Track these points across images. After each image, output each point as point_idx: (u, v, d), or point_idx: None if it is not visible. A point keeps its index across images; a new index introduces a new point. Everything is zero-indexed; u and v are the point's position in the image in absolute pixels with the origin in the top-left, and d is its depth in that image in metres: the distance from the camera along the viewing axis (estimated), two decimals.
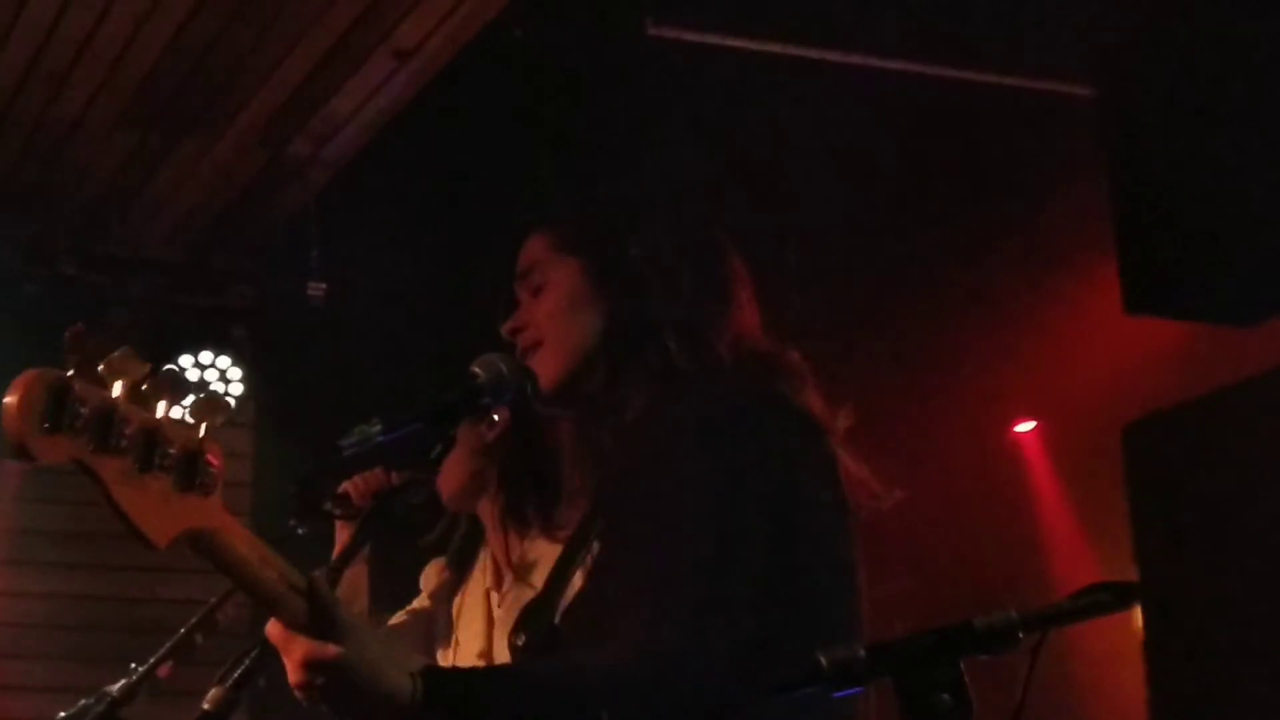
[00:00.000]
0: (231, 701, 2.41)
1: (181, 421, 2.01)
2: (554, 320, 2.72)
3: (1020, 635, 1.84)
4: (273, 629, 2.14)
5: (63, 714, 4.84)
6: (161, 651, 3.70)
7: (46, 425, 1.89)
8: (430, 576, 3.96)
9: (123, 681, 3.72)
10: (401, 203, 6.86)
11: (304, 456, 3.76)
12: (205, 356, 7.32)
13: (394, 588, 4.06)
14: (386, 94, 6.22)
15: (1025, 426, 7.58)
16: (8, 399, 1.89)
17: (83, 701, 4.59)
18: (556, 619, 2.58)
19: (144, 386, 1.98)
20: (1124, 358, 6.60)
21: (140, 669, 3.70)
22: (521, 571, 3.67)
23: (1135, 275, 1.73)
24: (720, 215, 2.87)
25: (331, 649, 2.11)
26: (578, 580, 2.63)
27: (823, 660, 1.84)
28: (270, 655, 2.35)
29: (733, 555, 2.37)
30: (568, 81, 6.21)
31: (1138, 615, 5.78)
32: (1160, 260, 1.72)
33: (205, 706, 2.39)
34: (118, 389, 1.96)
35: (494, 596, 3.79)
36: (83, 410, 1.91)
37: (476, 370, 2.67)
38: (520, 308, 2.79)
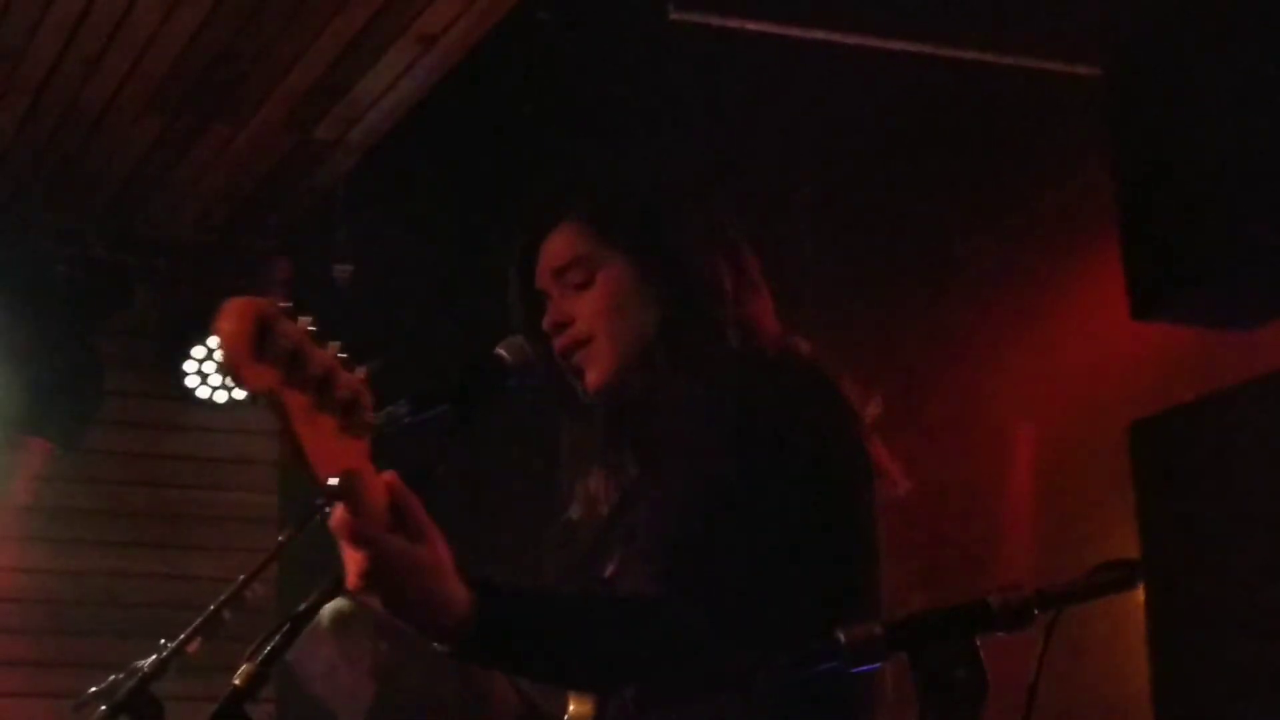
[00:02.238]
0: (261, 677, 2.43)
1: (348, 366, 2.08)
2: (607, 318, 2.72)
3: (1035, 612, 1.88)
4: (342, 521, 2.15)
5: (93, 689, 4.91)
6: (191, 628, 3.73)
7: (256, 353, 1.96)
8: None
9: (153, 657, 3.76)
10: (427, 185, 6.90)
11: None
12: None
13: None
14: (412, 78, 6.25)
15: (1018, 423, 7.58)
16: (224, 324, 1.95)
17: (113, 677, 4.66)
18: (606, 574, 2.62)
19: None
20: (1114, 356, 6.61)
21: (170, 645, 3.73)
22: None
23: (1142, 281, 1.75)
24: (737, 202, 2.90)
25: (412, 548, 2.16)
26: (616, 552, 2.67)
27: (841, 637, 1.88)
28: (296, 634, 2.40)
29: (784, 538, 2.42)
30: (590, 66, 6.23)
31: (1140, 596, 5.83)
32: (1167, 265, 1.74)
33: (235, 682, 2.41)
34: (303, 323, 2.03)
35: None
36: (281, 343, 1.98)
37: (502, 352, 2.70)
38: (556, 301, 2.78)
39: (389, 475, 2.18)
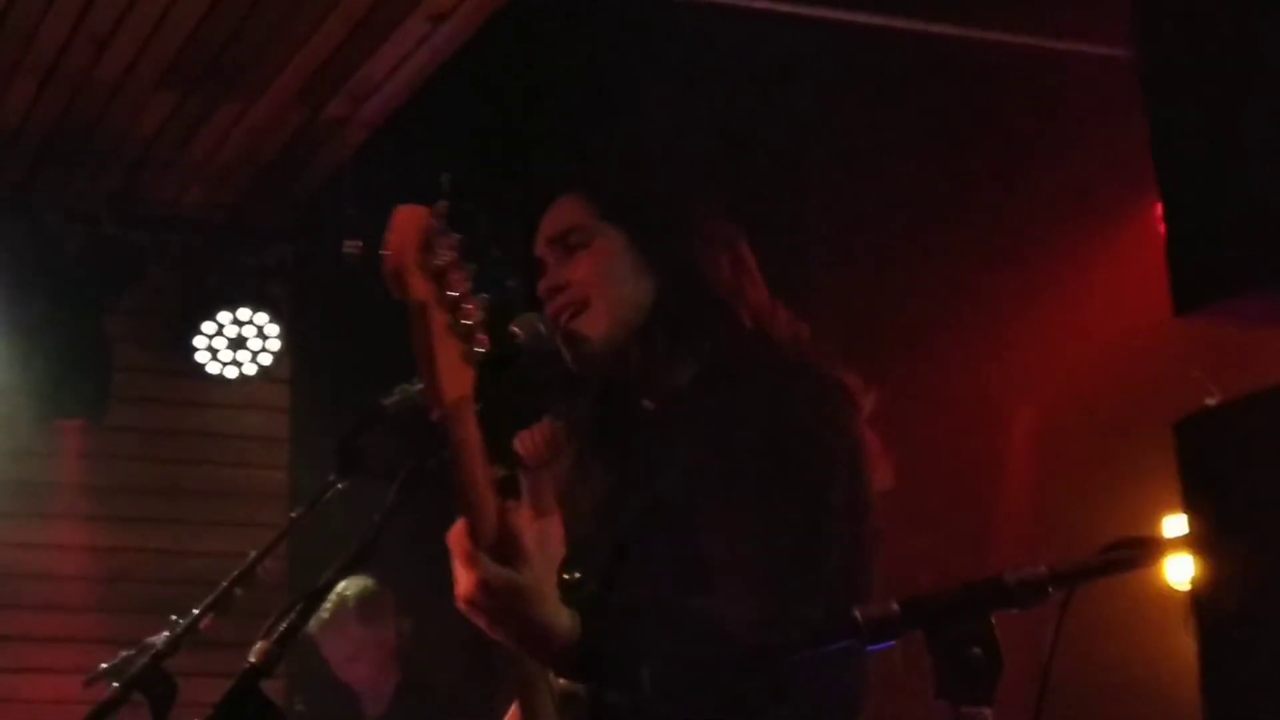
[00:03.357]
0: (276, 655, 2.44)
1: (477, 295, 2.10)
2: (602, 281, 2.71)
3: (1050, 590, 1.88)
4: (459, 540, 2.20)
5: (104, 665, 4.90)
6: (204, 604, 3.73)
7: (419, 261, 1.99)
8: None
9: (165, 633, 3.76)
10: (436, 161, 6.89)
11: (341, 412, 3.78)
12: (243, 313, 7.38)
13: None
14: (421, 56, 6.25)
15: (1019, 411, 7.59)
16: (393, 232, 1.99)
17: (124, 653, 4.66)
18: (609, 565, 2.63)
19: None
20: (1126, 329, 6.61)
21: (183, 621, 3.74)
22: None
23: (1187, 272, 1.71)
24: (737, 184, 2.90)
25: (511, 575, 2.19)
26: (618, 539, 2.67)
27: (858, 615, 1.89)
28: (311, 612, 2.41)
29: (811, 527, 2.44)
30: (596, 44, 6.23)
31: (1160, 575, 5.85)
32: (1215, 254, 1.70)
33: (251, 660, 2.41)
34: (454, 244, 2.06)
35: None
36: (437, 259, 2.00)
37: (516, 330, 2.69)
38: (552, 268, 2.77)
39: (509, 503, 2.22)
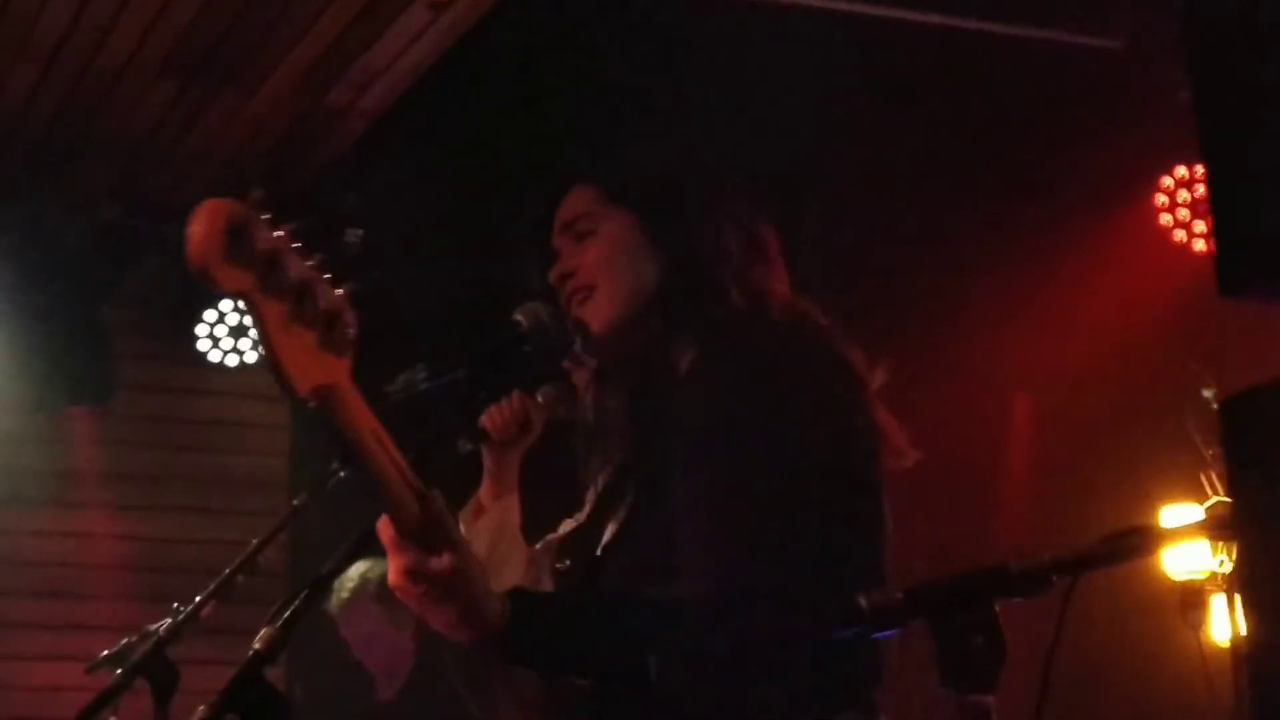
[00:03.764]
0: (281, 641, 2.44)
1: (329, 279, 2.06)
2: (608, 266, 2.72)
3: (1053, 578, 1.89)
4: (385, 528, 2.22)
5: (105, 652, 4.90)
6: (206, 592, 3.74)
7: (227, 254, 1.92)
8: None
9: (168, 620, 3.77)
10: (437, 151, 6.91)
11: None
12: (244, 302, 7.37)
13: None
14: (422, 44, 6.25)
15: (1019, 394, 7.60)
16: (194, 225, 1.91)
17: (125, 640, 4.66)
18: (598, 552, 2.63)
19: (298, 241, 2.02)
20: (1124, 322, 6.63)
21: (185, 608, 3.74)
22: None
23: (1233, 253, 1.68)
24: (743, 172, 2.90)
25: (440, 562, 2.21)
26: (612, 525, 2.68)
27: (862, 602, 1.89)
28: (318, 599, 2.41)
29: (789, 506, 2.42)
30: (602, 32, 6.23)
31: (1163, 565, 5.87)
32: (1264, 235, 1.67)
33: (256, 646, 2.41)
34: (280, 233, 2.00)
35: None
36: (256, 247, 1.95)
37: (519, 318, 2.70)
38: (564, 255, 2.78)
39: (433, 489, 2.21)
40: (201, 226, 1.91)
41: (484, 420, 3.59)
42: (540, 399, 3.14)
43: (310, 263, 2.03)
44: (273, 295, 1.97)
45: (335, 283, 2.07)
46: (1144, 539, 1.96)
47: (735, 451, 2.46)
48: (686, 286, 2.68)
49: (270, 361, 2.00)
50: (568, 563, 2.69)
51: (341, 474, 3.52)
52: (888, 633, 1.89)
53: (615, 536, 2.63)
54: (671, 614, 2.37)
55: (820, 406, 2.52)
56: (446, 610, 2.26)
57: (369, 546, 2.57)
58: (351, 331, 2.07)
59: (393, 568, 2.24)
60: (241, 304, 1.98)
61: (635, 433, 2.75)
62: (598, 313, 2.71)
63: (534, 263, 2.86)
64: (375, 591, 6.10)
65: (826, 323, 2.69)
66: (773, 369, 2.54)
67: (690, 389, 2.61)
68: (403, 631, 6.19)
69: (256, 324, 1.99)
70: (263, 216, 1.99)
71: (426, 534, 2.21)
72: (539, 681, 2.47)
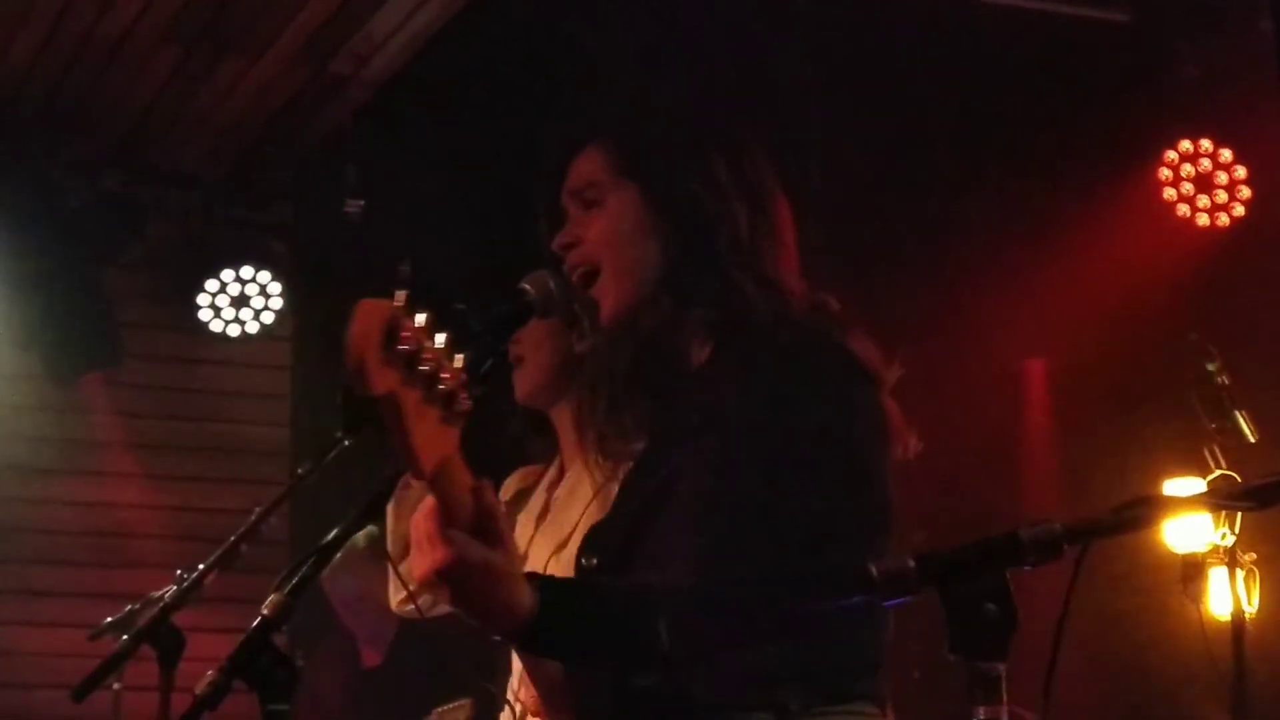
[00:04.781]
0: (289, 608, 2.44)
1: (450, 354, 2.10)
2: (612, 246, 2.68)
3: (1064, 547, 1.89)
4: (427, 517, 2.19)
5: (109, 619, 4.92)
6: (211, 560, 3.74)
7: (382, 356, 1.98)
8: (511, 484, 3.94)
9: (172, 588, 3.78)
10: (439, 121, 6.90)
11: (343, 370, 3.77)
12: (246, 271, 7.39)
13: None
14: (425, 13, 6.24)
15: (1033, 360, 7.60)
16: (356, 327, 1.96)
17: (130, 607, 4.67)
18: (622, 546, 2.62)
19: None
20: (1128, 297, 6.63)
21: (189, 576, 3.75)
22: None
23: None
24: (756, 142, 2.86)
25: (488, 555, 2.20)
26: (633, 519, 2.67)
27: (873, 570, 1.89)
28: (323, 565, 2.42)
29: (783, 501, 2.42)
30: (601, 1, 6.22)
31: (1165, 538, 5.88)
32: None
33: (264, 612, 2.41)
34: (420, 325, 2.04)
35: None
36: (405, 344, 2.00)
37: (526, 286, 2.69)
38: (571, 222, 2.75)
39: (484, 481, 2.21)
40: (359, 329, 1.96)
41: None
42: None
43: (439, 346, 2.08)
44: (413, 386, 2.03)
45: (452, 354, 2.11)
46: (1154, 508, 1.96)
47: (745, 450, 2.45)
48: (690, 269, 2.64)
49: (404, 453, 2.06)
50: (594, 561, 2.68)
51: (346, 443, 3.54)
52: (898, 601, 1.89)
53: (636, 530, 2.61)
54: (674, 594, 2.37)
55: (827, 407, 2.51)
56: (480, 602, 2.24)
57: (375, 514, 2.57)
58: (467, 404, 2.12)
59: (435, 556, 2.20)
60: (381, 402, 2.02)
61: (646, 418, 2.73)
62: (607, 296, 2.67)
63: (543, 220, 2.84)
64: (363, 555, 6.10)
65: (842, 317, 2.66)
66: (790, 373, 2.52)
67: (708, 385, 2.59)
68: (385, 596, 6.20)
69: (391, 419, 2.03)
70: (403, 303, 2.03)
71: (479, 526, 2.20)
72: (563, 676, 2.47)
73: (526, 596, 2.25)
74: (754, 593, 2.36)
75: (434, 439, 2.08)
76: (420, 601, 3.64)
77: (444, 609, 3.43)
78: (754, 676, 2.42)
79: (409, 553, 2.21)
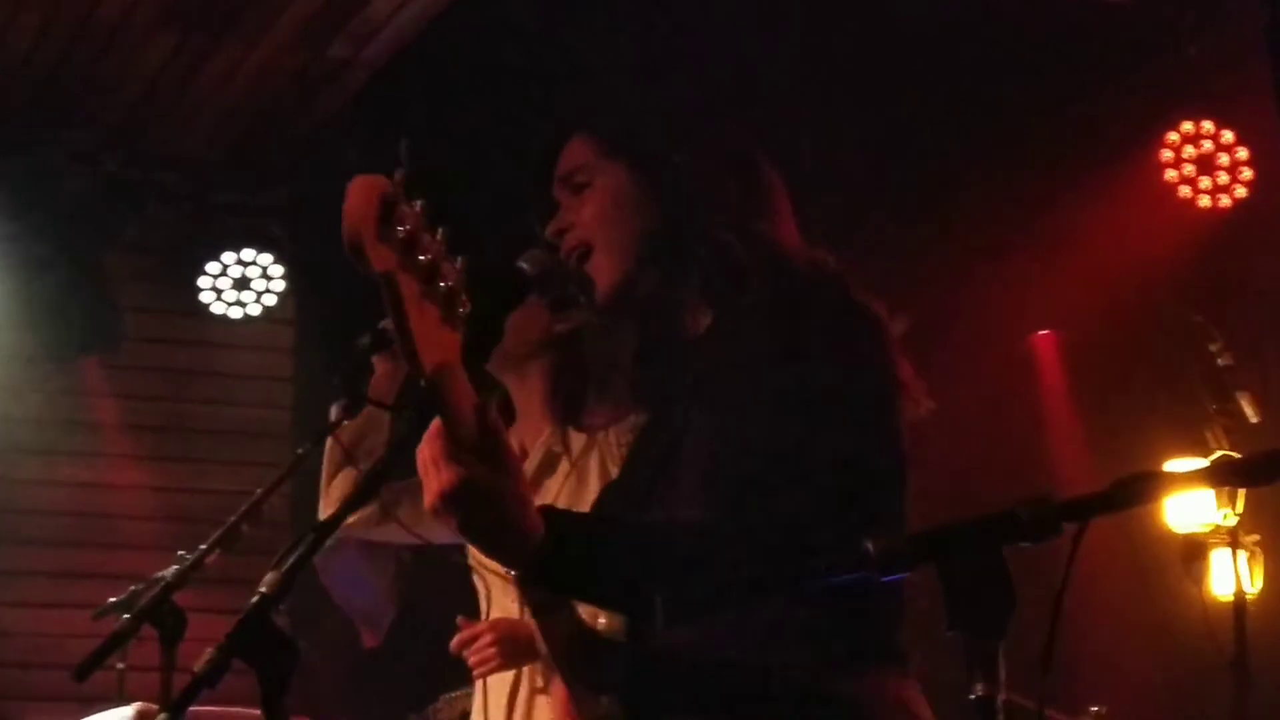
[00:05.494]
0: (287, 585, 2.44)
1: (452, 256, 2.07)
2: (603, 223, 2.70)
3: (1062, 524, 1.88)
4: (435, 436, 2.16)
5: (111, 599, 4.92)
6: (212, 540, 3.75)
7: (378, 232, 1.95)
8: None
9: (174, 568, 3.78)
10: (437, 104, 6.89)
11: (344, 352, 3.78)
12: (248, 254, 7.39)
13: None
14: None
15: (1042, 332, 7.60)
16: (350, 201, 1.94)
17: (132, 588, 4.68)
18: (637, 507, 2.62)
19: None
20: (1129, 279, 6.63)
21: (191, 557, 3.76)
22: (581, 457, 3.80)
23: None
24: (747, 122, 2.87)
25: (496, 477, 2.17)
26: (644, 482, 2.67)
27: (869, 546, 1.88)
28: (322, 543, 2.41)
29: (796, 448, 2.42)
30: None
31: (1166, 518, 5.88)
32: None
33: (262, 590, 2.41)
34: (417, 210, 2.02)
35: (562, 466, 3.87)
36: (400, 226, 1.97)
37: (523, 265, 2.69)
38: (562, 209, 2.76)
39: (489, 402, 2.18)
40: (355, 204, 1.94)
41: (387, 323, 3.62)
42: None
43: (438, 239, 2.05)
44: (410, 272, 2.00)
45: (453, 256, 2.08)
46: (1152, 484, 1.95)
47: (754, 401, 2.45)
48: (679, 239, 2.65)
49: (404, 340, 2.02)
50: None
51: (345, 423, 3.53)
52: (895, 577, 1.88)
53: (649, 491, 2.61)
54: (688, 544, 2.36)
55: (842, 353, 2.51)
56: (489, 527, 2.22)
57: (373, 492, 2.57)
58: (466, 309, 2.09)
59: (444, 478, 2.16)
60: (380, 281, 1.99)
61: (648, 389, 2.74)
62: (601, 274, 2.68)
63: (536, 212, 2.85)
64: (355, 537, 6.11)
65: (843, 270, 2.67)
66: (791, 317, 2.52)
67: (710, 348, 2.60)
68: (382, 578, 6.20)
69: (392, 301, 2.00)
70: (400, 185, 2.01)
71: (484, 447, 2.16)
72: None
73: (537, 524, 2.23)
74: (760, 548, 2.34)
75: (434, 338, 2.04)
76: (401, 515, 3.63)
77: (444, 536, 3.43)
78: (771, 634, 2.41)
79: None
